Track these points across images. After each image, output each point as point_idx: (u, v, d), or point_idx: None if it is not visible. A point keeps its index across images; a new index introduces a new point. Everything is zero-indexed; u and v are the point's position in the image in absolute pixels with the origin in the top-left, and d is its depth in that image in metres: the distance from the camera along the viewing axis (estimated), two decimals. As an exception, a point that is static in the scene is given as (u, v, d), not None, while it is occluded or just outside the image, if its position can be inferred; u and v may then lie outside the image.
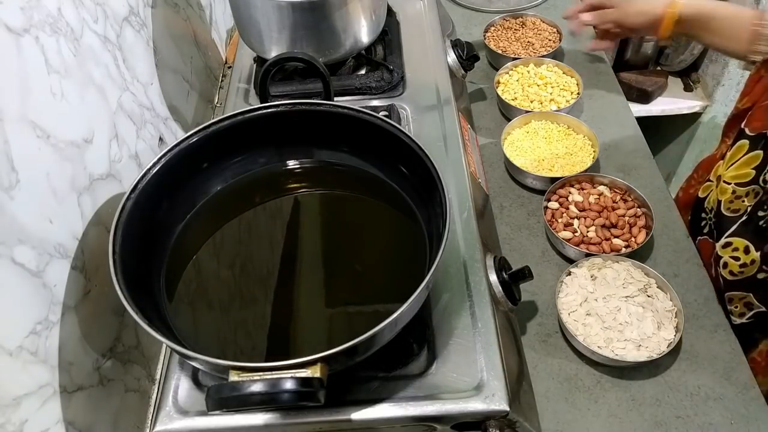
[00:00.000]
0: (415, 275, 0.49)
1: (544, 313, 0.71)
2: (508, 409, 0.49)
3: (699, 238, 0.78)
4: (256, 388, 0.39)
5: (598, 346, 0.64)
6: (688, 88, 1.48)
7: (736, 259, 0.67)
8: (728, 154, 0.72)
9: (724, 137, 0.83)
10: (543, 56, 1.02)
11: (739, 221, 0.68)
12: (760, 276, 0.65)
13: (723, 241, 0.70)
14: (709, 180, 0.78)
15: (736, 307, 0.69)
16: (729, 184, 0.71)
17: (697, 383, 0.64)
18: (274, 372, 0.40)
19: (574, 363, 0.67)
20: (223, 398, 0.39)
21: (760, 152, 0.67)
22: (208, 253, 0.59)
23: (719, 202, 0.72)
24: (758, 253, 0.65)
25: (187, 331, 0.52)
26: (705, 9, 0.74)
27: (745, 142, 0.70)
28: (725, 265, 0.69)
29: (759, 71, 0.74)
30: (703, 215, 0.78)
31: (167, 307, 0.54)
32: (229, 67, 1.06)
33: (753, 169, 0.67)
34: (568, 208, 0.79)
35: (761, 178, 0.66)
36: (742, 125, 0.72)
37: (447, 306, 0.57)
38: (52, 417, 0.49)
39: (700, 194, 0.79)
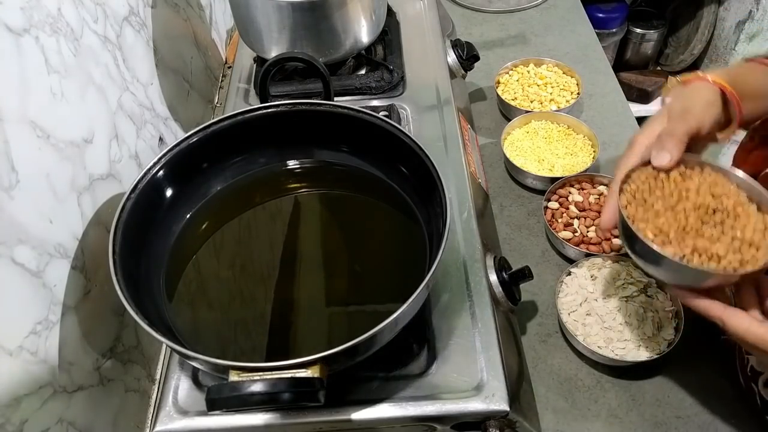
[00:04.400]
0: (415, 275, 0.49)
1: (544, 313, 0.71)
2: (508, 409, 0.49)
3: (722, 336, 0.66)
4: (256, 388, 0.39)
5: (598, 346, 0.64)
6: (688, 88, 1.48)
7: None
8: None
9: None
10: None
11: None
12: None
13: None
14: None
15: None
16: None
17: (697, 383, 0.64)
18: (274, 372, 0.40)
19: (574, 363, 0.67)
20: (223, 398, 0.39)
21: None
22: (208, 253, 0.59)
23: None
24: None
25: (187, 331, 0.52)
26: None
27: None
28: None
29: (752, 140, 0.65)
30: None
31: (167, 307, 0.54)
32: (229, 67, 1.06)
33: None
34: (568, 208, 0.79)
35: None
36: None
37: (447, 306, 0.57)
38: (52, 417, 0.49)
39: None
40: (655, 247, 0.47)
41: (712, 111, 0.53)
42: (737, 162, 0.68)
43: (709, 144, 0.55)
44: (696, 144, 0.53)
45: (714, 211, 0.49)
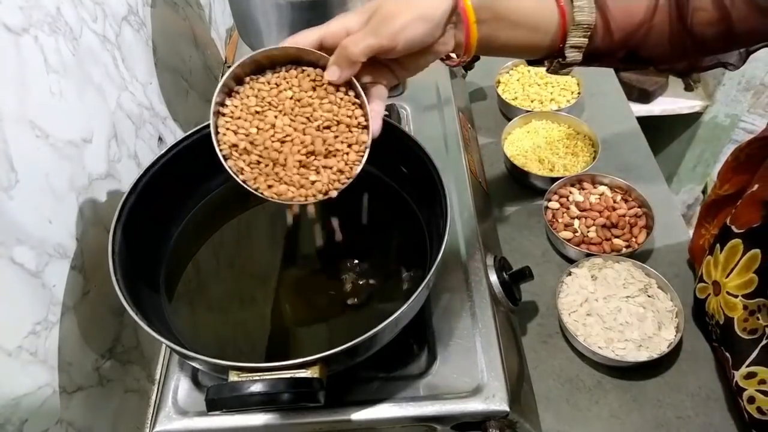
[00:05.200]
0: (415, 275, 0.49)
1: (545, 313, 0.71)
2: (508, 409, 0.49)
3: (713, 343, 0.66)
4: (256, 388, 0.39)
5: (599, 347, 0.64)
6: (688, 88, 1.48)
7: (767, 393, 0.55)
8: (721, 256, 0.61)
9: (703, 221, 0.73)
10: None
11: (760, 345, 0.55)
12: None
13: (744, 370, 0.57)
14: (703, 281, 0.65)
15: None
16: (736, 297, 0.58)
17: (697, 383, 0.64)
18: (273, 372, 0.40)
19: (574, 363, 0.67)
20: (223, 398, 0.39)
21: (758, 251, 0.55)
22: (207, 253, 0.59)
23: (731, 319, 0.59)
24: None
25: (186, 331, 0.52)
26: None
27: (737, 241, 0.58)
28: (751, 399, 0.56)
29: (736, 157, 0.66)
30: (707, 319, 0.66)
31: (167, 307, 0.54)
32: (229, 67, 1.05)
33: (755, 273, 0.56)
34: (568, 208, 0.79)
35: None
36: (728, 222, 0.60)
37: (447, 306, 0.56)
38: (51, 417, 0.48)
39: (698, 294, 0.67)
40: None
41: (418, 28, 0.43)
42: (725, 177, 0.68)
43: (432, 58, 0.48)
44: (409, 58, 0.46)
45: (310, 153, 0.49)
